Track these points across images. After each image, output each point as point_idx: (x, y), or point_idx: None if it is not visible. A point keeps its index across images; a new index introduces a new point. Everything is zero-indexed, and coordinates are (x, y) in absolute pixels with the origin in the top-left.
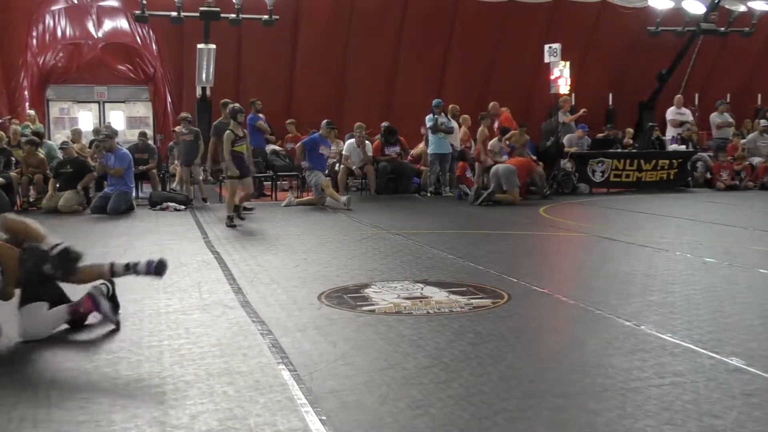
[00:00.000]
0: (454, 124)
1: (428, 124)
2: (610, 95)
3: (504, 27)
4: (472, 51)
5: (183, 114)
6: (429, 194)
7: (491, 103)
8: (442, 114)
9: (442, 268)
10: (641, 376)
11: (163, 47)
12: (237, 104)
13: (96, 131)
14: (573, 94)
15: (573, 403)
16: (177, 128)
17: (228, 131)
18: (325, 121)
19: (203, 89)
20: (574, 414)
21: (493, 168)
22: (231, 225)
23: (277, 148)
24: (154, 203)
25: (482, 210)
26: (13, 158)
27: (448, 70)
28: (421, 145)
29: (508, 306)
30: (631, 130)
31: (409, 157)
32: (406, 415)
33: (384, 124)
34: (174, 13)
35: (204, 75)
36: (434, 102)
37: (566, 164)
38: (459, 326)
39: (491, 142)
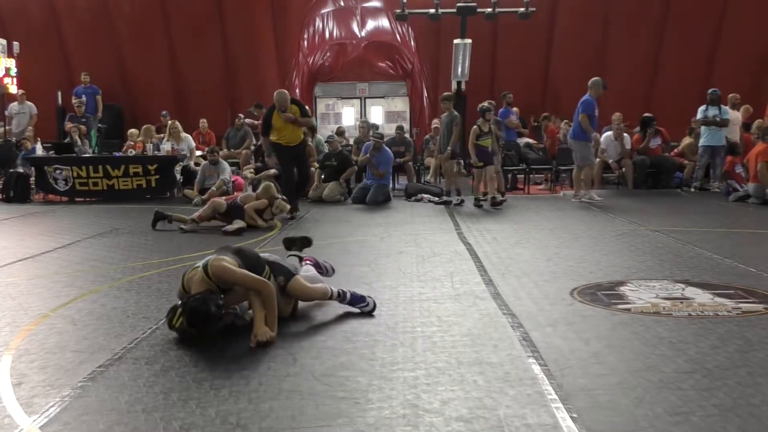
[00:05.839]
0: (730, 115)
1: (699, 116)
2: None
3: None
4: (751, 32)
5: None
6: (694, 189)
7: None
8: (716, 106)
9: (706, 268)
10: None
11: (420, 44)
12: (485, 103)
13: (368, 125)
14: None
15: None
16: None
17: (474, 126)
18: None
19: (458, 83)
20: None
21: None
22: (477, 205)
23: (530, 141)
24: (410, 195)
25: (756, 208)
26: None
27: (719, 56)
28: (686, 139)
29: None
30: None
31: (674, 152)
32: (664, 422)
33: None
34: (432, 11)
35: (459, 69)
36: (709, 91)
37: None
38: (725, 331)
39: None
